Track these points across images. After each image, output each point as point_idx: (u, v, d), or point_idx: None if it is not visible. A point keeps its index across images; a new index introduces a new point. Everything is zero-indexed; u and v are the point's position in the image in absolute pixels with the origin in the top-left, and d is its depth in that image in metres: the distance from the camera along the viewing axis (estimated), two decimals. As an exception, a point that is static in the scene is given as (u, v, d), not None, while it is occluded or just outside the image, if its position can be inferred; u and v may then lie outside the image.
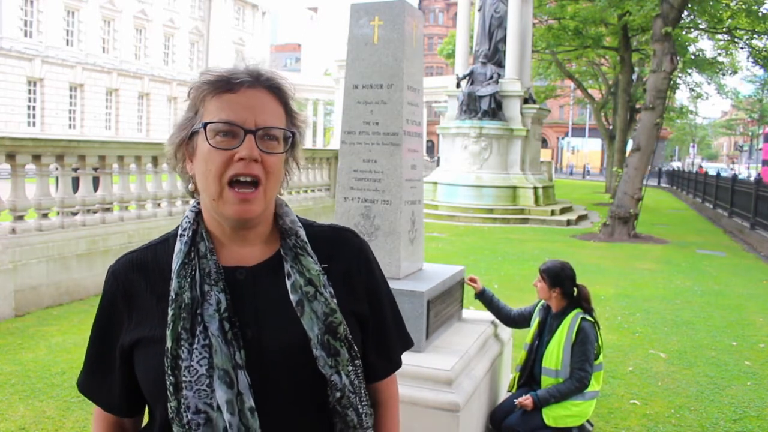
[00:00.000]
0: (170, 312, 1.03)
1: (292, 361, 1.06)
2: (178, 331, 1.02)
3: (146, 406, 1.17)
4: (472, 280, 3.77)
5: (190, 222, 1.12)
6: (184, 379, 1.01)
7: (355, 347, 1.13)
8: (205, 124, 1.04)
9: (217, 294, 1.05)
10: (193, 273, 1.06)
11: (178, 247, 1.09)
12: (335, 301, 1.10)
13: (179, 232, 1.12)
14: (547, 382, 3.33)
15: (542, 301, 3.57)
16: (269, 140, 1.06)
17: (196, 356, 1.01)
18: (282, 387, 1.05)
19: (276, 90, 1.09)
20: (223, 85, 1.05)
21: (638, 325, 6.26)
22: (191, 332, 1.02)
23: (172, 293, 1.04)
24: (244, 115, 1.04)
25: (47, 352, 4.86)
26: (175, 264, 1.07)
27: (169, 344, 1.02)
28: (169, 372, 1.01)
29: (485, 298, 3.74)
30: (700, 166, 51.06)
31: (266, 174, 1.06)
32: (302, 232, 1.15)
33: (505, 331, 3.92)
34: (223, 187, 1.04)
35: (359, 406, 1.11)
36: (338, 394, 1.08)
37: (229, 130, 1.04)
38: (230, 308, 1.05)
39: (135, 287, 1.11)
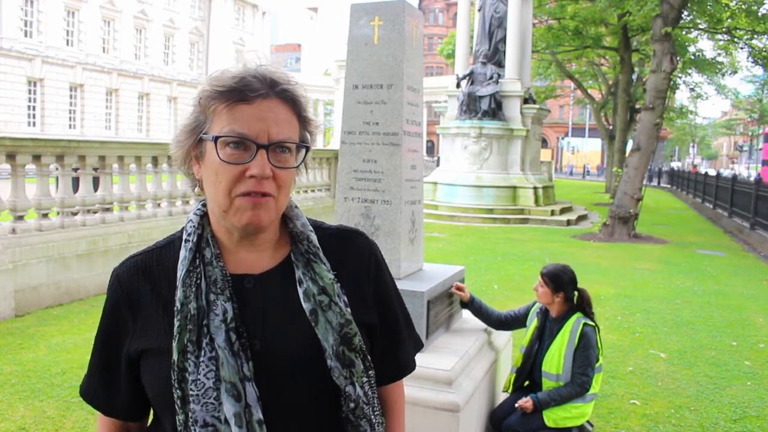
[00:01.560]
0: (176, 323, 1.01)
1: (302, 372, 1.04)
2: (184, 344, 1.00)
3: (151, 409, 1.15)
4: (459, 288, 3.60)
5: (194, 226, 1.09)
6: (191, 392, 0.99)
7: (369, 357, 1.11)
8: (216, 138, 1.00)
9: (223, 303, 1.02)
10: (198, 281, 1.03)
11: (183, 254, 1.06)
12: (349, 310, 1.08)
13: (184, 237, 1.09)
14: (547, 385, 3.31)
15: (537, 304, 3.54)
16: (282, 152, 1.03)
17: (203, 369, 0.99)
18: (292, 398, 1.03)
19: (290, 100, 1.06)
20: (236, 95, 1.01)
21: (638, 325, 6.26)
22: (197, 344, 1.00)
23: (178, 303, 1.02)
24: (257, 127, 1.00)
25: (47, 352, 4.86)
26: (180, 272, 1.04)
27: (175, 357, 1.00)
28: (176, 385, 1.00)
29: (474, 308, 3.62)
30: (694, 166, 51.21)
31: (278, 188, 1.03)
32: (314, 237, 1.12)
33: (505, 332, 3.91)
34: (233, 199, 1.01)
35: (372, 417, 1.10)
36: (352, 405, 1.06)
37: (240, 142, 1.00)
38: (237, 318, 1.02)
39: (139, 293, 1.09)
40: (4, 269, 5.81)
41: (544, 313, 3.48)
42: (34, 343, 5.09)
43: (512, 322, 3.65)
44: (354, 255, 1.18)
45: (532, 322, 3.51)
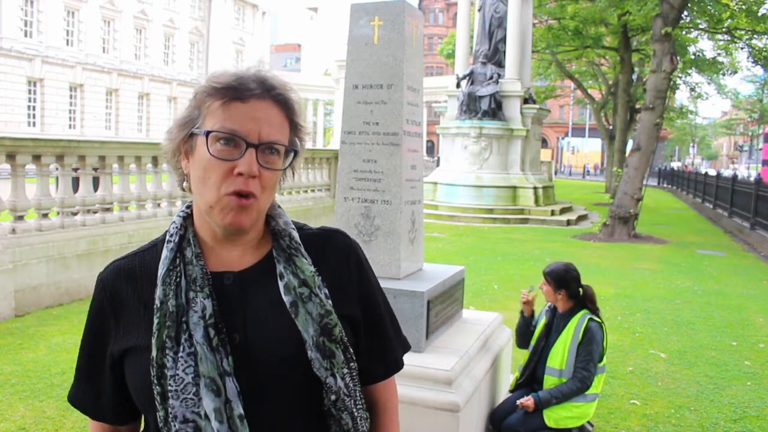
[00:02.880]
0: (155, 320, 1.02)
1: (283, 365, 1.04)
2: (162, 340, 1.01)
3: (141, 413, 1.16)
4: (527, 302, 3.64)
5: (177, 227, 1.11)
6: (170, 388, 0.99)
7: (351, 350, 1.11)
8: (208, 132, 1.02)
9: (202, 300, 1.03)
10: (178, 280, 1.05)
11: (164, 254, 1.07)
12: (330, 302, 1.09)
13: (166, 238, 1.10)
14: (550, 381, 3.33)
15: (547, 303, 3.57)
16: (270, 154, 1.05)
17: (182, 365, 0.99)
18: (273, 392, 1.04)
19: (284, 104, 1.08)
20: (232, 92, 1.03)
21: (638, 325, 6.26)
22: (176, 340, 1.01)
23: (157, 301, 1.03)
24: (248, 126, 1.02)
25: (47, 352, 4.86)
26: (161, 271, 1.06)
27: (154, 353, 1.01)
28: (155, 381, 1.00)
29: (527, 322, 3.65)
30: (686, 165, 51.36)
31: (262, 189, 1.05)
32: (296, 234, 1.14)
33: (505, 332, 3.92)
34: (221, 197, 1.03)
35: (354, 410, 1.10)
36: (333, 397, 1.06)
37: (231, 139, 1.02)
38: (216, 314, 1.03)
39: (122, 295, 1.10)
40: (4, 269, 5.81)
41: (552, 311, 3.53)
42: (34, 343, 5.09)
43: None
44: (335, 253, 1.19)
45: (541, 321, 3.54)
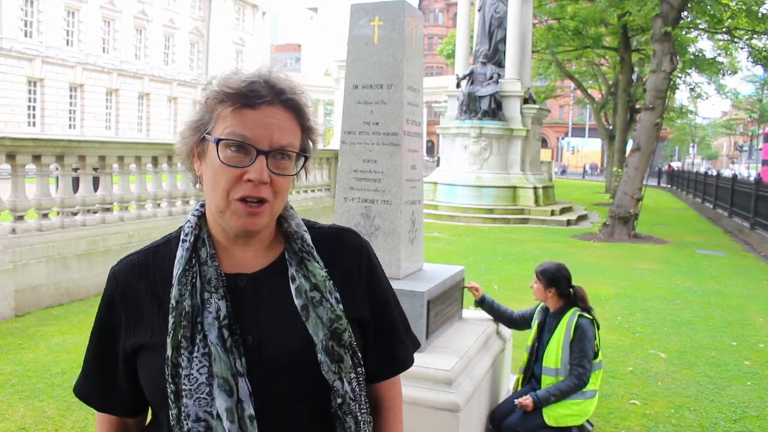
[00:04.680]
0: (170, 320, 1.03)
1: (294, 366, 1.06)
2: (178, 340, 1.02)
3: (149, 406, 1.17)
4: (473, 287, 3.74)
5: (192, 227, 1.11)
6: (184, 387, 1.01)
7: (359, 354, 1.12)
8: (218, 140, 1.02)
9: (216, 301, 1.04)
10: (193, 280, 1.06)
11: (180, 254, 1.08)
12: (341, 307, 1.10)
13: (181, 236, 1.11)
14: (547, 381, 3.34)
15: (542, 303, 3.59)
16: (282, 159, 1.05)
17: (196, 365, 1.01)
18: (283, 393, 1.05)
19: (294, 108, 1.08)
20: (242, 99, 1.03)
21: (638, 325, 6.26)
22: (191, 340, 1.02)
23: (173, 301, 1.04)
24: (259, 132, 1.03)
25: (47, 352, 4.86)
26: (176, 271, 1.06)
27: (169, 352, 1.02)
28: (170, 380, 1.02)
29: (486, 305, 3.73)
30: (669, 165, 51.34)
31: (274, 194, 1.05)
32: (308, 237, 1.14)
33: (506, 331, 3.92)
34: (230, 202, 1.03)
35: (358, 414, 1.11)
36: (339, 401, 1.08)
37: (241, 146, 1.02)
38: (231, 315, 1.04)
39: (135, 290, 1.11)
40: (4, 269, 5.81)
41: (545, 312, 3.55)
42: (34, 343, 5.09)
43: (521, 321, 3.73)
44: (346, 252, 1.20)
45: (535, 322, 3.57)
